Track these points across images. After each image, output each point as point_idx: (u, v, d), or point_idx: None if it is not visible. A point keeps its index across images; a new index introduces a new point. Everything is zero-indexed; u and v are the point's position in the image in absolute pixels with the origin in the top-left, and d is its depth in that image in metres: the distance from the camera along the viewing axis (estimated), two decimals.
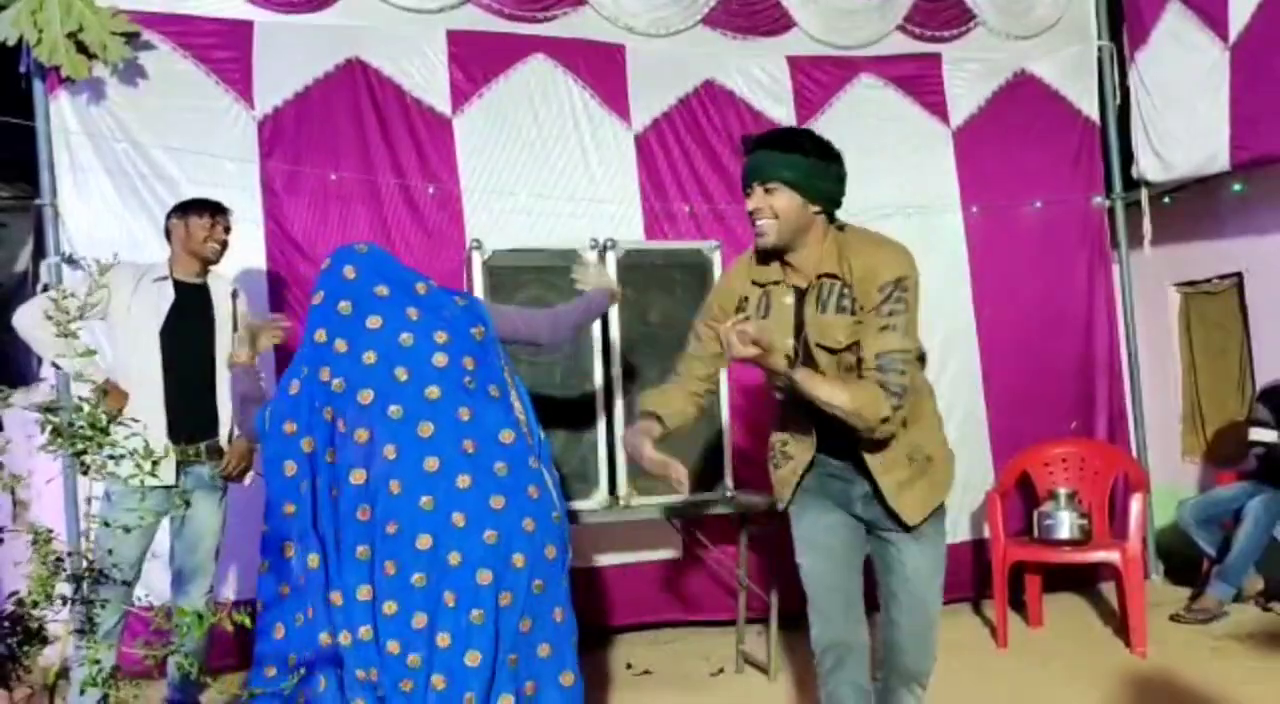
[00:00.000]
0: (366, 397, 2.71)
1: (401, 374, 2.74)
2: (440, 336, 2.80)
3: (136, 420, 2.06)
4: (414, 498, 2.64)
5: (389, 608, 2.59)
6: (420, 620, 2.60)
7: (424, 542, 2.62)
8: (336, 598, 2.62)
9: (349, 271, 2.85)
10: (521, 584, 2.68)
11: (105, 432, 1.73)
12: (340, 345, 2.77)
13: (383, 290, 2.83)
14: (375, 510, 2.65)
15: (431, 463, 2.68)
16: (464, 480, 2.67)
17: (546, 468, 2.88)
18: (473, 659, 2.59)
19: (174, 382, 3.73)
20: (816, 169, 2.59)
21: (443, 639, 2.59)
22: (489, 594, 2.64)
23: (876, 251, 2.58)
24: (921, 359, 2.84)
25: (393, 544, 2.62)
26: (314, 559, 2.66)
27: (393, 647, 2.58)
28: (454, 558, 2.63)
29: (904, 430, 2.59)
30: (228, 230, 3.91)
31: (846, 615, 2.79)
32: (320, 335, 2.79)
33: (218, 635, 3.59)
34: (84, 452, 1.75)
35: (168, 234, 3.92)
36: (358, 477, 2.67)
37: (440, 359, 2.78)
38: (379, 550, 2.62)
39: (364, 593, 2.60)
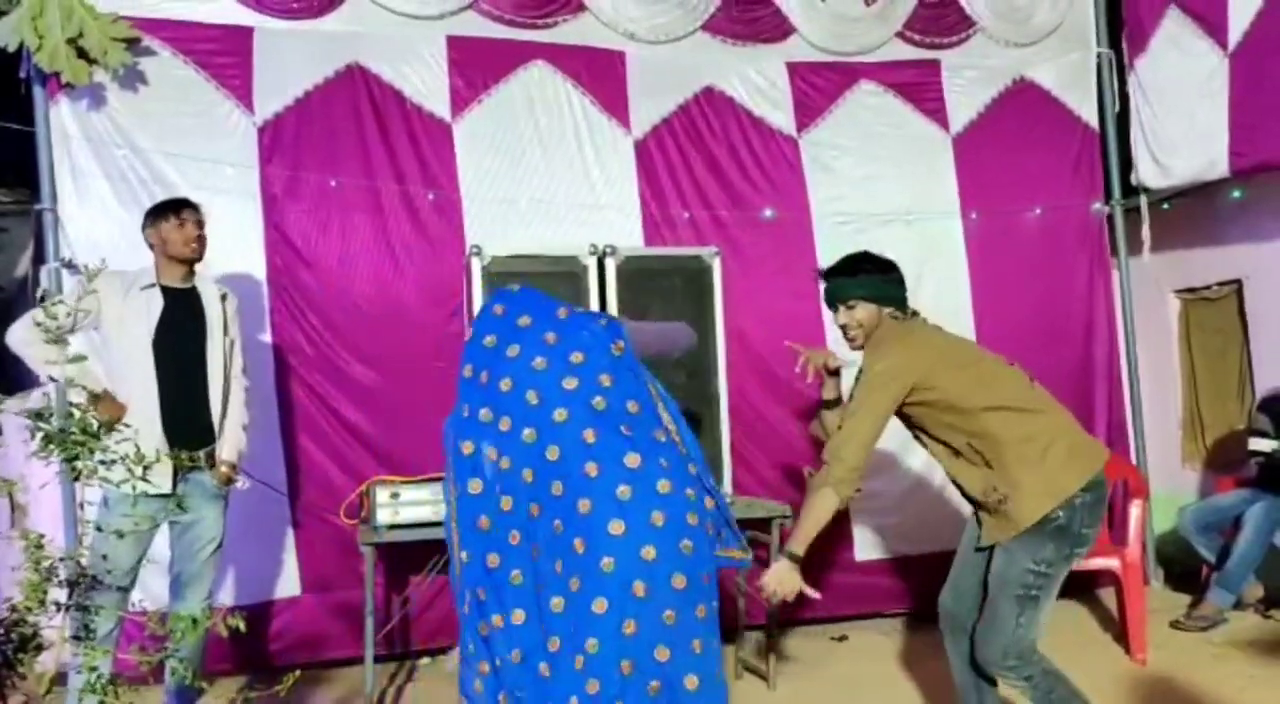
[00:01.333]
0: (506, 424, 2.81)
1: (533, 398, 2.81)
2: (576, 357, 2.87)
3: (128, 425, 2.05)
4: (549, 522, 2.73)
5: (516, 617, 2.76)
6: (554, 643, 2.71)
7: (559, 566, 2.72)
8: (498, 620, 2.76)
9: (498, 309, 2.99)
10: (646, 614, 2.69)
11: (97, 437, 1.73)
12: (484, 377, 2.87)
13: (525, 321, 2.93)
14: (522, 536, 2.79)
15: (557, 487, 2.75)
16: (585, 505, 2.71)
17: (702, 483, 2.87)
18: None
19: (169, 389, 3.69)
20: (882, 281, 3.18)
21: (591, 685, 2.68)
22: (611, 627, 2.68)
23: (874, 348, 3.10)
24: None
25: (534, 564, 2.77)
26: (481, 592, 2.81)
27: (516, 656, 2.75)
28: (574, 583, 2.71)
29: (987, 471, 3.02)
30: (200, 225, 3.82)
31: (955, 594, 3.23)
32: (468, 371, 2.91)
33: (214, 641, 3.59)
34: (76, 457, 1.75)
35: (150, 245, 3.86)
36: (506, 503, 2.80)
37: (570, 382, 2.83)
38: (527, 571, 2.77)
39: (517, 617, 2.75)
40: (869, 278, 3.19)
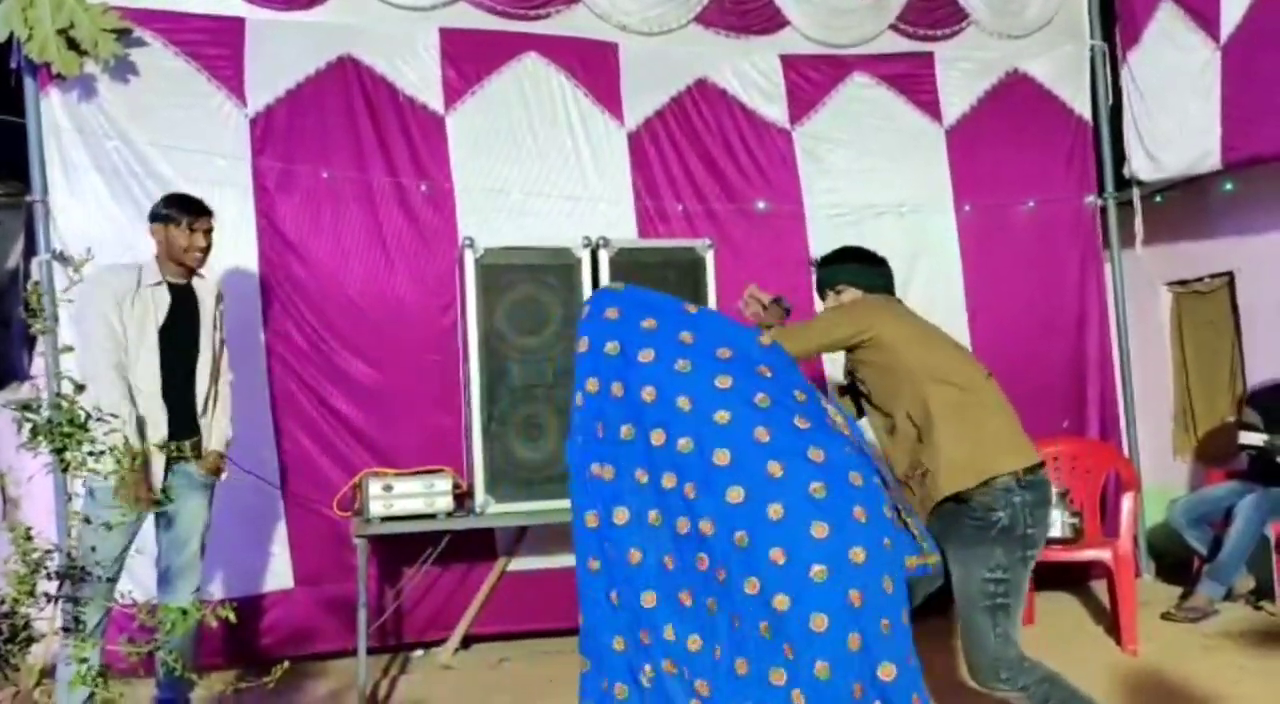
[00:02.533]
0: (659, 437, 2.58)
1: (684, 404, 2.59)
2: (723, 353, 2.68)
3: (115, 416, 2.05)
4: (729, 535, 2.50)
5: (692, 644, 2.56)
6: (717, 652, 2.54)
7: (752, 585, 2.48)
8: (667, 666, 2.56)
9: (612, 313, 2.75)
10: (867, 626, 2.47)
11: (85, 429, 1.72)
12: (616, 389, 2.65)
13: (650, 323, 2.72)
14: (706, 558, 2.57)
15: (736, 494, 2.51)
16: (776, 511, 2.48)
17: (879, 473, 2.72)
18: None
19: (166, 383, 3.72)
20: (870, 270, 3.30)
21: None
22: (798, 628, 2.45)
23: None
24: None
25: (719, 587, 2.52)
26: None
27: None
28: (780, 601, 2.44)
29: (917, 445, 2.98)
30: (209, 233, 3.81)
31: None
32: (592, 385, 2.68)
33: (205, 634, 3.59)
34: (64, 449, 1.74)
35: (154, 239, 3.85)
36: (681, 524, 2.59)
37: (724, 381, 2.62)
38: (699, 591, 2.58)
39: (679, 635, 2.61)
40: (858, 265, 3.32)
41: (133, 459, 3.17)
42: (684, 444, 2.55)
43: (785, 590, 2.42)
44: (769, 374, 2.66)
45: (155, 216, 3.79)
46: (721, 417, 2.56)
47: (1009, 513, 2.89)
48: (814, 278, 3.37)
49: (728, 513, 2.51)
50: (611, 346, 2.68)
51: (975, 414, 2.97)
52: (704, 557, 2.54)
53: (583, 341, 2.74)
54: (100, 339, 3.54)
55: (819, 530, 2.44)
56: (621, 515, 2.62)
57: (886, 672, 2.44)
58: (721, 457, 2.52)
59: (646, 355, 2.65)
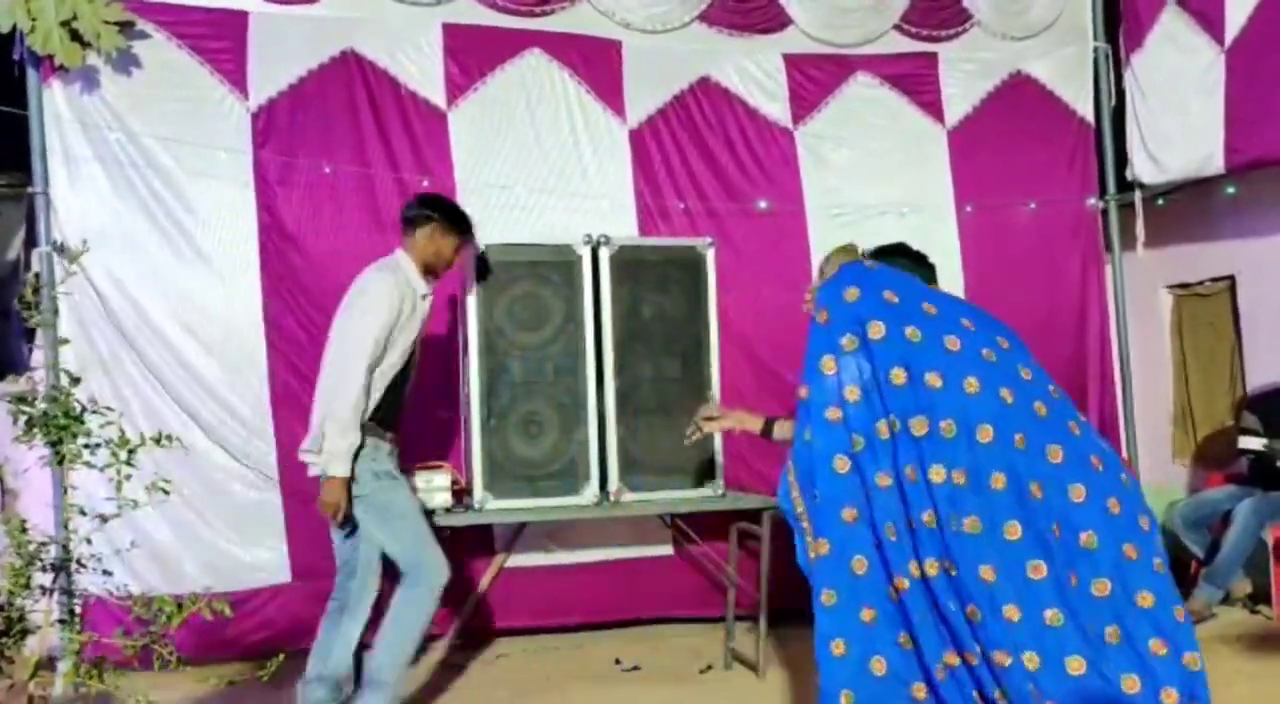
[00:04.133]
0: (986, 434, 2.56)
1: (1008, 395, 2.61)
2: (1004, 343, 2.72)
3: (111, 409, 2.05)
4: (1074, 537, 2.56)
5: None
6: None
7: (1101, 587, 2.54)
8: (973, 612, 2.51)
9: (889, 295, 2.71)
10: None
11: (80, 420, 1.72)
12: (933, 380, 2.59)
13: (930, 308, 2.72)
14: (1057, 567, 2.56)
15: (1079, 491, 2.59)
16: (1079, 493, 2.58)
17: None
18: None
19: (399, 391, 3.76)
20: (917, 266, 3.27)
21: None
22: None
23: None
24: None
25: (1072, 594, 2.54)
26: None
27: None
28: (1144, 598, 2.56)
29: None
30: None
31: None
32: (899, 375, 2.61)
33: (202, 627, 3.58)
34: (60, 441, 1.74)
35: (410, 225, 3.80)
36: (1001, 527, 2.54)
37: (1025, 372, 2.69)
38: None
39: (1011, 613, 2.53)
40: (906, 262, 3.27)
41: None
42: (985, 433, 2.57)
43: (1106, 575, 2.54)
44: (1029, 376, 2.71)
45: (429, 220, 3.75)
46: (1040, 409, 2.64)
47: None
48: None
49: (1076, 513, 2.56)
50: (912, 332, 2.64)
51: None
52: (1040, 563, 2.54)
53: (876, 326, 2.66)
54: (372, 345, 3.55)
55: (1114, 505, 2.58)
56: (891, 531, 2.59)
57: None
58: (1021, 441, 2.57)
59: (953, 343, 2.65)
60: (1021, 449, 2.58)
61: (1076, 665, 2.46)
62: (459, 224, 3.83)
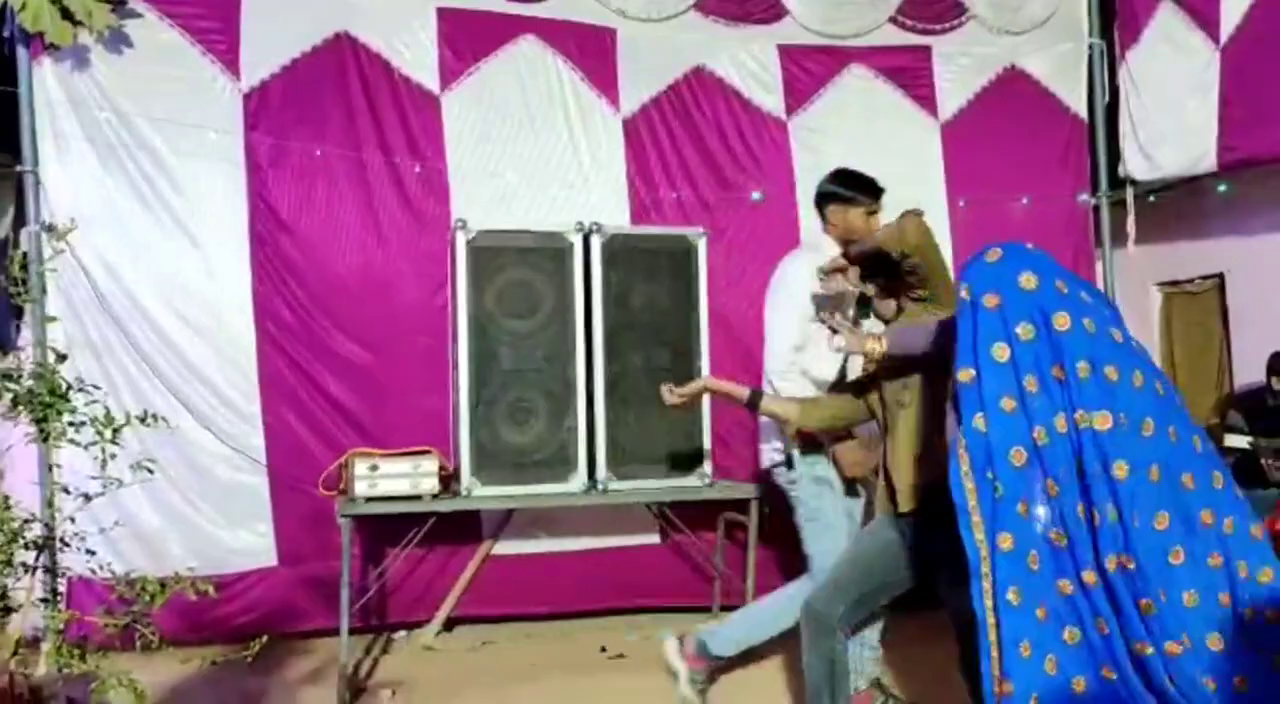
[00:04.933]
0: (1149, 428, 2.56)
1: (1159, 387, 2.63)
2: (1118, 335, 2.69)
3: (97, 387, 2.04)
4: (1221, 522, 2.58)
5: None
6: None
7: (1268, 574, 2.55)
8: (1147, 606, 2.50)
9: (1060, 285, 2.70)
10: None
11: (65, 398, 1.71)
12: (1111, 373, 2.57)
13: (1085, 297, 2.71)
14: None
15: (1219, 479, 2.61)
16: (1219, 479, 2.62)
17: None
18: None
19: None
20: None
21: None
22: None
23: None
24: None
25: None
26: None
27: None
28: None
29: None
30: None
31: (830, 596, 3.14)
32: (1085, 368, 2.57)
33: (186, 609, 3.57)
34: (45, 419, 1.73)
35: (818, 207, 3.75)
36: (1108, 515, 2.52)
37: (1118, 335, 2.69)
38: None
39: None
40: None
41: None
42: (1148, 426, 2.57)
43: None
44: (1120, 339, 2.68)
45: (833, 197, 3.69)
46: (1138, 379, 2.61)
47: None
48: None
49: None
50: (1088, 322, 2.61)
51: None
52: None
53: (1062, 317, 2.61)
54: (798, 327, 3.56)
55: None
56: (1042, 512, 2.56)
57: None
58: (1170, 432, 2.59)
59: (1090, 325, 2.62)
60: (1174, 442, 2.60)
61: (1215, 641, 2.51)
62: (859, 191, 3.70)
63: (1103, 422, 2.53)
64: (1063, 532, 2.54)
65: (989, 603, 2.52)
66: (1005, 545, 2.51)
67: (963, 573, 2.82)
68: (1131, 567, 2.48)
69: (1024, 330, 2.60)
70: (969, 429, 2.59)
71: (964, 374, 2.61)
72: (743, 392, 3.38)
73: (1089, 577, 2.51)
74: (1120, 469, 2.50)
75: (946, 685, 3.23)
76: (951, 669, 3.05)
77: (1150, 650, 2.47)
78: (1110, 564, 2.49)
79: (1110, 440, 2.52)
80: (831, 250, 3.62)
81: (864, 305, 3.37)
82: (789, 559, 5.14)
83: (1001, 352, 2.59)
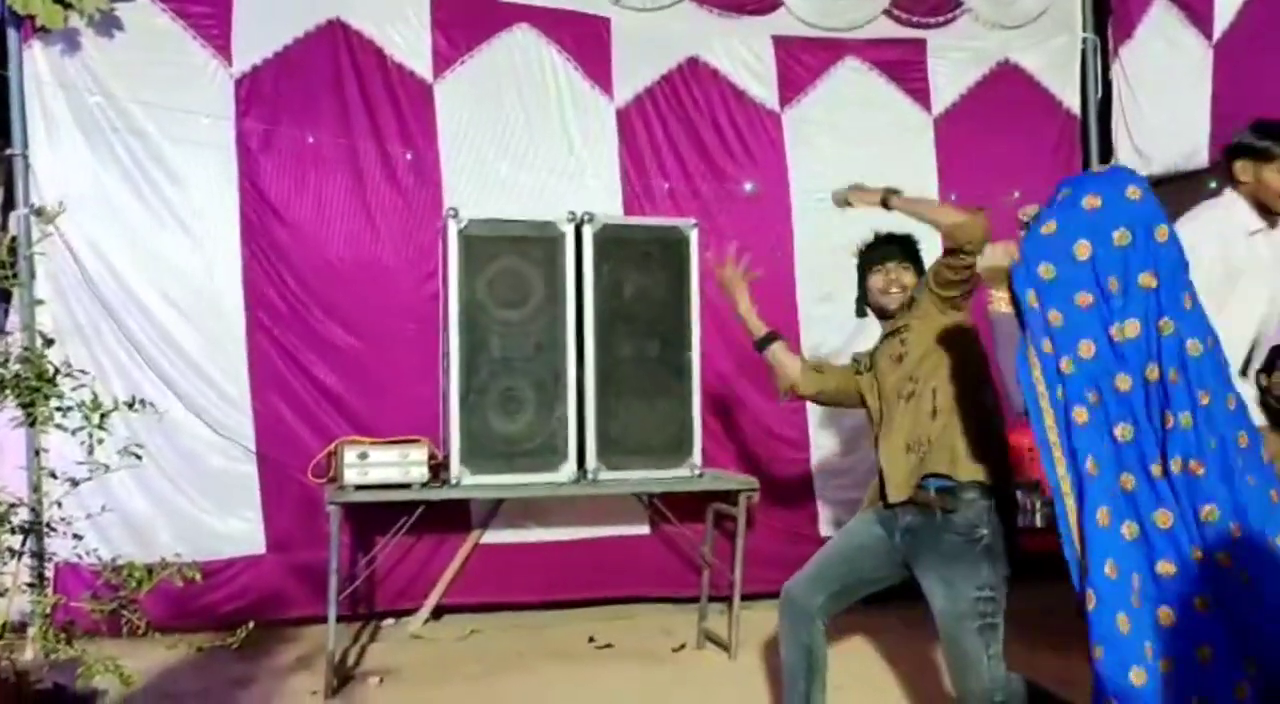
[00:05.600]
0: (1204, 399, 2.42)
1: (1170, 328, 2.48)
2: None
3: (85, 372, 2.03)
4: None
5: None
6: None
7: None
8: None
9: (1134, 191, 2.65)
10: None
11: (53, 383, 1.71)
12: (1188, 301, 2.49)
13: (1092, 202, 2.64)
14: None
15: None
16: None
17: None
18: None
19: None
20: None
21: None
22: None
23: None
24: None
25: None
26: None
27: None
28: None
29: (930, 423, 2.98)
30: None
31: (810, 586, 3.13)
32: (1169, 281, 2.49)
33: (173, 596, 3.57)
34: (32, 403, 1.73)
35: (1233, 156, 3.38)
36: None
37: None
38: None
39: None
40: (918, 254, 3.31)
41: None
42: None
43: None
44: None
45: (1246, 151, 3.34)
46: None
47: (993, 532, 2.89)
48: (870, 246, 3.30)
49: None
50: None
51: (998, 425, 3.01)
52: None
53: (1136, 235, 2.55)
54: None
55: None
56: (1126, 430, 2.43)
57: None
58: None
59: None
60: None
61: None
62: (1250, 151, 3.36)
63: (1194, 348, 2.45)
64: (1130, 425, 2.44)
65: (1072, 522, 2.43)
66: (1103, 522, 2.40)
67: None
68: (1200, 472, 2.38)
69: (1120, 235, 2.58)
70: (1039, 349, 2.50)
71: (1045, 270, 2.57)
72: (759, 327, 3.40)
73: (1156, 469, 2.41)
74: (1203, 397, 2.43)
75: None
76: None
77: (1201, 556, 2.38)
78: (1175, 466, 2.40)
79: (1195, 365, 2.44)
80: (1241, 212, 3.32)
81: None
82: (776, 550, 5.17)
83: (1083, 249, 2.56)
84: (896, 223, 3.29)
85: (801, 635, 3.11)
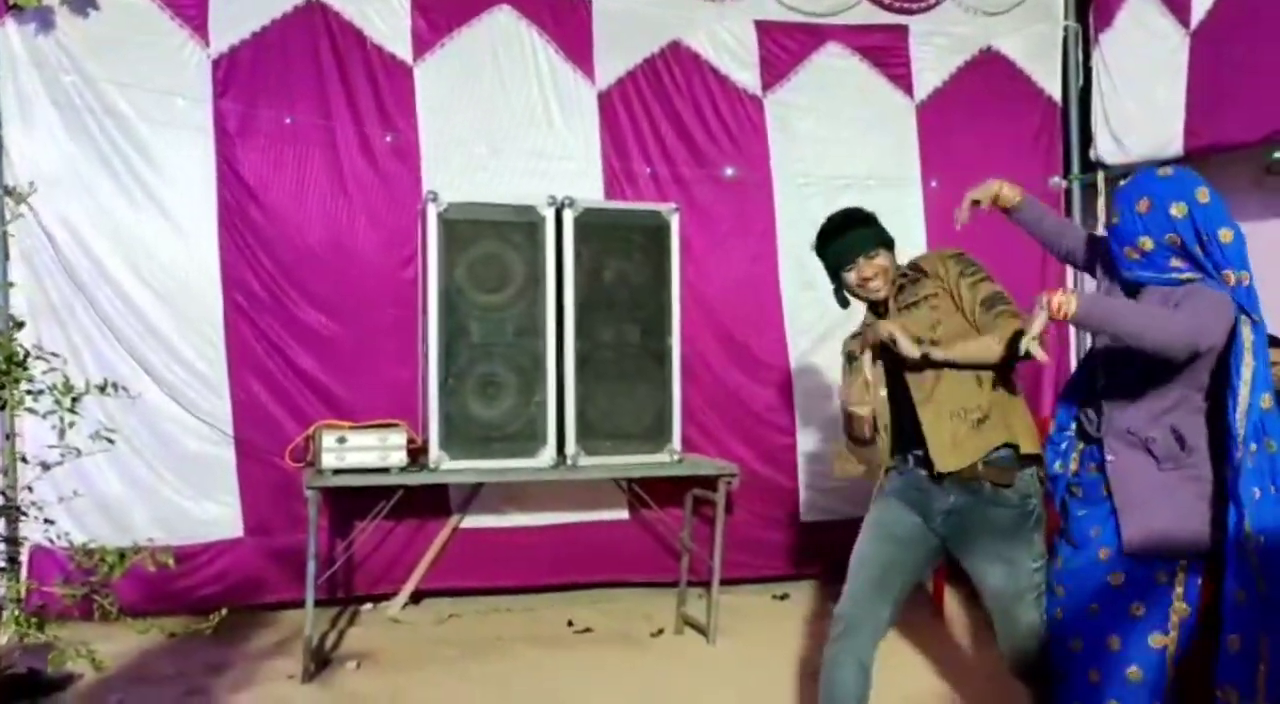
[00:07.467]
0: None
1: None
2: None
3: (56, 355, 2.00)
4: None
5: None
6: None
7: None
8: None
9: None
10: None
11: (23, 366, 1.69)
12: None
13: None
14: None
15: None
16: None
17: None
18: None
19: None
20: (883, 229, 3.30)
21: None
22: None
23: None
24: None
25: None
26: None
27: None
28: None
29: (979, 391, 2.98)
30: None
31: (859, 601, 2.95)
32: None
33: (150, 579, 3.55)
34: (2, 386, 1.71)
35: None
36: None
37: None
38: None
39: None
40: (879, 227, 3.27)
41: None
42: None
43: None
44: None
45: None
46: None
47: (1039, 500, 2.89)
48: (829, 250, 3.26)
49: None
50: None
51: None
52: None
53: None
54: None
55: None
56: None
57: None
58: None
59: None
60: None
61: None
62: None
63: None
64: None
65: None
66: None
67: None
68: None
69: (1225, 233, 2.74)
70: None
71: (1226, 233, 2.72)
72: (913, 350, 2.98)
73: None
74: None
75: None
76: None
77: None
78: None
79: None
80: None
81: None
82: (756, 536, 5.19)
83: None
84: (847, 202, 3.42)
85: (863, 656, 2.89)
